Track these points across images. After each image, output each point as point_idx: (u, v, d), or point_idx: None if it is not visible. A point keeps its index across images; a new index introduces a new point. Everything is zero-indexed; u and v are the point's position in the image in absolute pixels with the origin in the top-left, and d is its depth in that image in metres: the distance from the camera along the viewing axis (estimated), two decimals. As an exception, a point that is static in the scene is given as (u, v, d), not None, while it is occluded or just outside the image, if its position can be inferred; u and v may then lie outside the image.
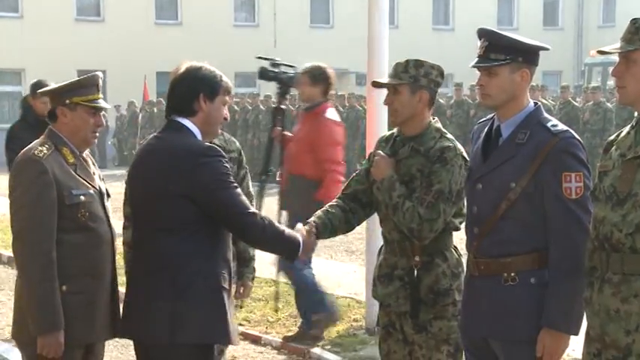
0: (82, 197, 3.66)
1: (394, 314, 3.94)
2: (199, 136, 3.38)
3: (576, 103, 18.13)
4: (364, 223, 7.33)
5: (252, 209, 3.37)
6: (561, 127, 3.36)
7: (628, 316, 2.89)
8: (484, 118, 3.64)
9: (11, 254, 9.91)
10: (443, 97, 20.46)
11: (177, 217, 3.29)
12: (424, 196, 3.74)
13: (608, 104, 17.14)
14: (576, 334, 3.24)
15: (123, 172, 14.43)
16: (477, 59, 3.41)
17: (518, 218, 3.31)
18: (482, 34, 3.41)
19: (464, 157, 3.80)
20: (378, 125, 6.57)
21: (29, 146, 3.75)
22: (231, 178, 3.33)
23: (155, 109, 23.51)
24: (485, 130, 3.51)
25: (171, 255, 3.30)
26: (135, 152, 4.41)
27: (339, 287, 8.25)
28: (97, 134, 3.84)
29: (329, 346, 6.31)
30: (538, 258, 3.31)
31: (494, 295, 3.36)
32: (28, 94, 6.84)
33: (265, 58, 6.40)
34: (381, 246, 4.09)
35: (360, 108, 19.40)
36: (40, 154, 3.64)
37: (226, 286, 3.38)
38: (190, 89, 3.37)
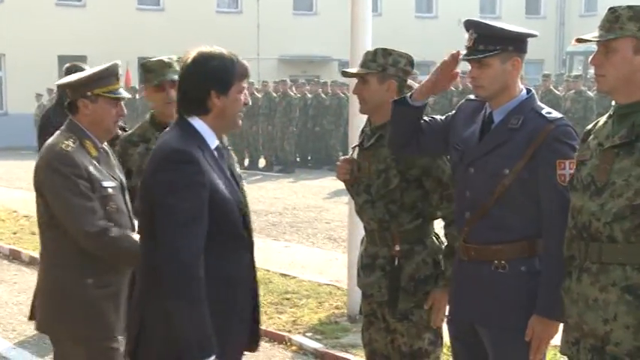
0: (110, 190, 3.65)
1: (376, 303, 3.95)
2: (210, 135, 3.01)
3: (558, 92, 18.18)
4: (346, 211, 7.35)
5: (184, 244, 2.83)
6: (556, 114, 3.36)
7: (606, 305, 2.90)
8: (473, 97, 3.59)
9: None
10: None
11: (151, 221, 2.93)
12: (445, 191, 3.77)
13: (590, 93, 17.20)
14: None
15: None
16: (466, 51, 3.39)
17: (512, 205, 3.31)
18: (470, 25, 3.39)
19: None
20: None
21: (53, 141, 3.70)
22: (188, 192, 2.86)
23: (137, 96, 23.38)
24: (481, 115, 3.48)
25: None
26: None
27: (321, 274, 8.27)
28: (119, 124, 3.80)
29: (310, 334, 6.32)
30: (529, 246, 3.32)
31: (484, 281, 3.37)
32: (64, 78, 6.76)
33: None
34: (364, 236, 4.09)
35: (343, 95, 19.37)
36: (68, 149, 3.61)
37: None
38: (199, 87, 2.97)
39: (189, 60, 3.00)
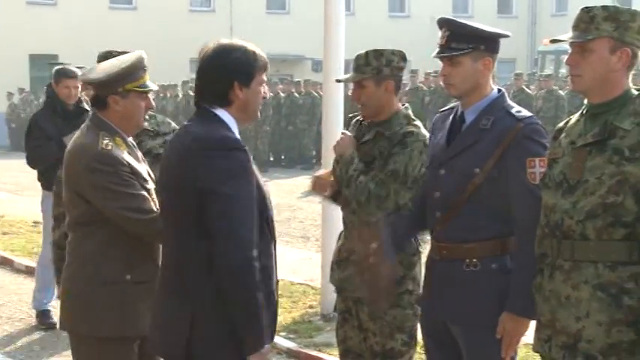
0: (148, 185, 3.56)
1: (350, 300, 3.95)
2: (234, 126, 2.95)
3: (529, 91, 18.31)
4: (320, 210, 7.35)
5: (246, 234, 2.78)
6: (525, 113, 3.38)
7: (578, 303, 2.92)
8: (445, 107, 3.64)
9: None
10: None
11: (193, 215, 2.83)
12: (377, 174, 3.75)
13: (561, 92, 17.35)
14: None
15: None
16: (438, 49, 3.40)
17: (482, 204, 3.33)
18: (444, 23, 3.40)
19: (425, 144, 3.80)
20: (334, 111, 6.57)
21: (86, 141, 3.55)
22: (245, 180, 2.82)
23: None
24: (450, 118, 3.51)
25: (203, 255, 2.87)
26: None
27: (294, 274, 8.26)
28: (147, 117, 3.68)
29: (284, 333, 6.31)
30: (500, 244, 3.34)
31: (456, 280, 3.38)
32: (52, 80, 6.55)
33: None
34: (341, 231, 4.09)
35: (317, 94, 19.37)
36: (108, 148, 3.49)
37: None
38: (223, 78, 2.92)
39: (210, 51, 2.94)
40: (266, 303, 2.85)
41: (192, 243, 2.86)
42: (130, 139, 3.68)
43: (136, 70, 3.56)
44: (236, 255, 2.75)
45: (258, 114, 3.08)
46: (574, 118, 3.10)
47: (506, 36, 3.42)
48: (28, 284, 7.71)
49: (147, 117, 4.24)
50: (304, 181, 15.16)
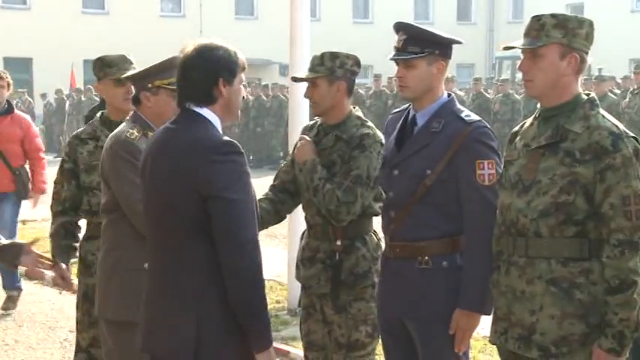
0: None
1: (315, 296, 3.95)
2: (219, 125, 2.86)
3: (488, 95, 18.45)
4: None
5: (252, 236, 2.73)
6: (474, 117, 3.42)
7: (532, 297, 2.95)
8: (398, 109, 3.68)
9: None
10: (362, 87, 20.58)
11: (193, 218, 2.76)
12: (343, 180, 3.75)
13: (517, 96, 17.50)
14: (489, 313, 3.31)
15: (50, 157, 14.11)
16: (395, 52, 3.42)
17: (434, 204, 3.35)
18: (401, 27, 3.43)
19: (382, 144, 3.82)
20: (301, 114, 6.58)
21: (118, 131, 3.65)
22: (246, 183, 2.76)
23: (83, 97, 23.04)
24: (401, 120, 3.54)
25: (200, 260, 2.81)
26: (65, 140, 4.26)
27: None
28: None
29: (252, 327, 6.29)
30: (451, 243, 3.36)
31: (409, 277, 3.40)
32: None
33: None
34: (304, 230, 4.09)
35: (284, 97, 19.36)
36: (132, 137, 3.55)
37: None
38: (208, 75, 2.82)
39: (193, 51, 2.84)
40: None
41: (193, 245, 2.78)
42: None
43: (165, 68, 3.59)
44: (244, 259, 2.70)
45: (239, 114, 3.00)
46: (528, 121, 3.14)
47: (459, 42, 3.46)
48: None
49: None
50: (271, 181, 15.12)
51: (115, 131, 3.69)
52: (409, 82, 3.40)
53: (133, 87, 3.74)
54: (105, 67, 4.28)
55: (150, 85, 3.61)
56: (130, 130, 3.60)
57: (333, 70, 3.84)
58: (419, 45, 3.35)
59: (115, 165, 3.57)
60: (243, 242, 2.70)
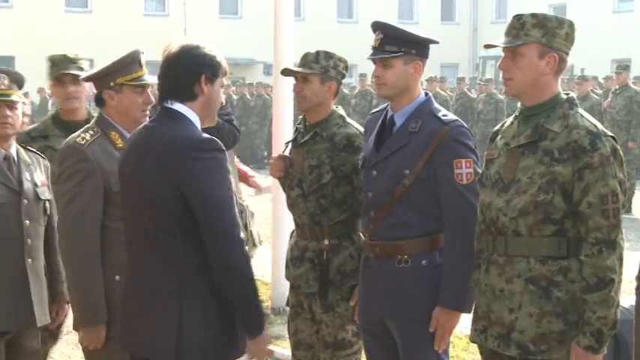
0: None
1: (303, 295, 3.96)
2: (198, 124, 2.85)
3: (471, 94, 18.50)
4: (271, 210, 7.35)
5: (237, 231, 2.75)
6: (451, 116, 3.44)
7: (511, 295, 2.98)
8: (377, 109, 3.70)
9: None
10: (347, 87, 20.59)
11: (175, 215, 2.76)
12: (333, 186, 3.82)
13: (500, 95, 17.54)
14: (469, 311, 3.33)
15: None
16: (372, 51, 3.44)
17: (412, 203, 3.37)
18: (377, 27, 3.44)
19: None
20: (284, 113, 6.59)
21: (75, 133, 3.51)
22: (226, 179, 2.77)
23: (65, 96, 22.95)
24: (380, 120, 3.55)
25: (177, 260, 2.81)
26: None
27: (246, 269, 8.24)
28: (148, 112, 3.52)
29: (236, 326, 6.29)
30: (429, 241, 3.38)
31: (389, 276, 3.42)
32: None
33: None
34: (293, 230, 4.10)
35: (268, 97, 19.34)
36: (82, 142, 3.41)
37: None
38: (190, 70, 2.81)
39: (176, 48, 2.84)
40: None
41: (174, 241, 2.78)
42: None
43: (127, 64, 3.47)
44: (231, 253, 2.74)
45: (216, 117, 3.00)
46: (509, 120, 3.16)
47: (436, 42, 3.48)
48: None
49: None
50: (256, 180, 15.13)
51: (76, 132, 3.57)
52: (386, 80, 3.42)
53: (95, 86, 3.57)
54: (50, 67, 4.24)
55: (112, 84, 3.46)
56: (82, 135, 3.46)
57: (327, 70, 3.85)
58: (395, 44, 3.38)
59: (60, 171, 3.48)
60: (232, 238, 2.74)
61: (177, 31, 27.90)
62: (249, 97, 20.82)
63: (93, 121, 3.58)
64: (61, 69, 4.16)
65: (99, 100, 3.52)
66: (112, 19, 28.16)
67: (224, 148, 2.81)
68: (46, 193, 3.73)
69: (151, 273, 2.86)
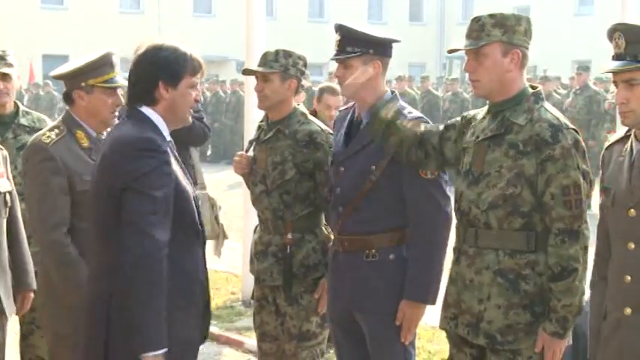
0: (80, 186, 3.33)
1: (267, 288, 3.95)
2: (163, 126, 2.78)
3: (437, 93, 18.58)
4: (242, 204, 7.34)
5: (156, 231, 2.61)
6: (416, 113, 3.44)
7: (480, 286, 2.98)
8: (344, 107, 3.70)
9: None
10: (316, 85, 20.56)
11: (113, 210, 2.67)
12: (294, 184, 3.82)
13: (465, 94, 17.66)
14: (433, 303, 3.34)
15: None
16: (334, 52, 3.43)
17: (379, 198, 3.37)
18: (337, 28, 3.44)
19: (331, 138, 3.84)
20: (256, 109, 6.55)
21: (40, 132, 3.44)
22: (159, 180, 2.65)
23: (41, 92, 22.68)
24: (348, 117, 3.55)
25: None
26: None
27: (218, 262, 8.21)
28: (117, 114, 3.46)
29: (208, 318, 6.27)
30: (397, 236, 3.37)
31: (357, 270, 3.41)
32: None
33: None
34: (256, 225, 4.09)
35: (242, 93, 19.27)
36: (47, 140, 3.35)
37: None
38: (148, 76, 2.75)
39: (141, 50, 2.78)
40: (184, 303, 2.73)
41: (113, 236, 2.67)
42: (96, 133, 3.50)
43: (99, 66, 3.42)
44: (138, 250, 2.58)
45: (189, 118, 2.88)
46: (481, 114, 3.15)
47: (396, 41, 3.46)
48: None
49: (25, 113, 4.22)
50: (227, 176, 15.10)
51: (41, 131, 3.52)
52: (346, 80, 3.41)
53: (65, 84, 3.51)
54: None
55: (83, 84, 3.41)
56: (48, 133, 3.41)
57: (287, 68, 3.84)
58: (354, 45, 3.36)
59: (25, 170, 3.45)
60: (142, 235, 2.58)
61: (152, 29, 27.77)
62: (222, 95, 20.72)
63: (59, 118, 3.54)
64: None
65: (68, 98, 3.48)
66: (88, 16, 27.91)
67: (165, 150, 2.73)
68: (5, 185, 3.60)
69: (93, 275, 2.82)
